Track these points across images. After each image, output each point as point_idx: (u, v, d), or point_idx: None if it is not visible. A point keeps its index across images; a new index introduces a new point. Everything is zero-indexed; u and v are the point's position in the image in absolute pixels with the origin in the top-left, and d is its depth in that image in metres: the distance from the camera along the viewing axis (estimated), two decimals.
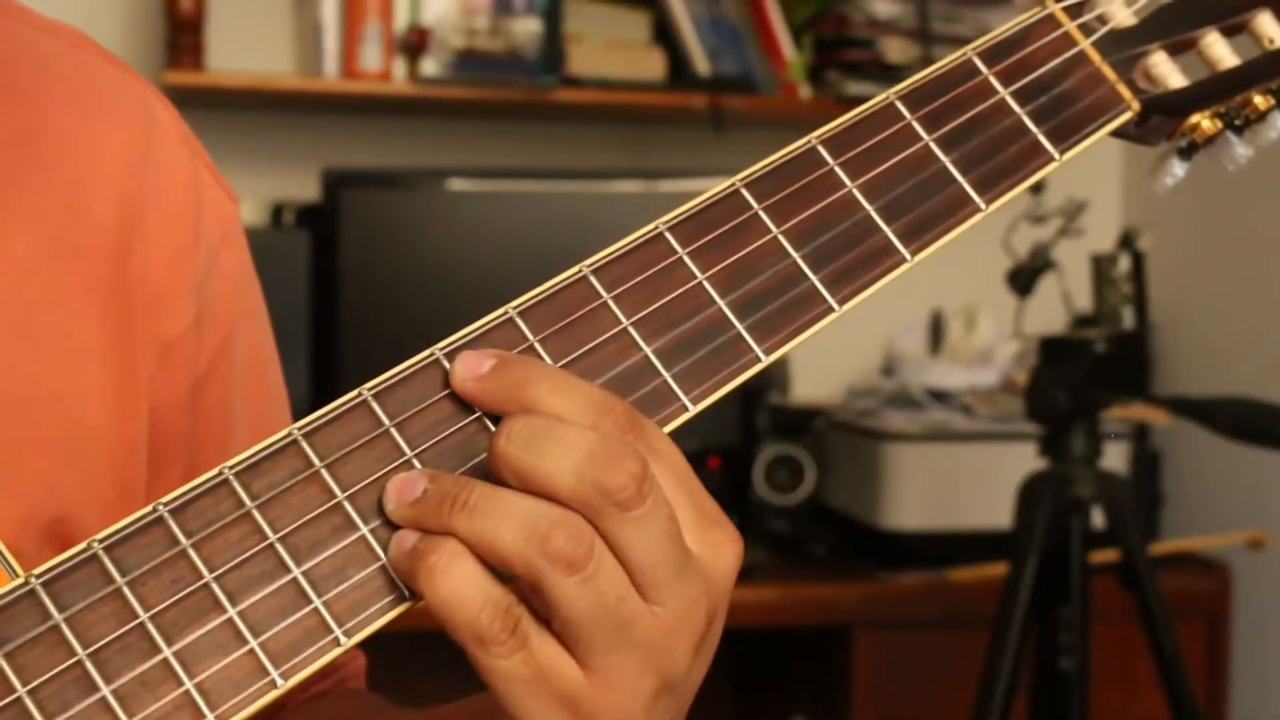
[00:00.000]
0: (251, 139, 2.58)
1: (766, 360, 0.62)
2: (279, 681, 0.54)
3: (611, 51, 2.52)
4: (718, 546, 0.57)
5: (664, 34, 2.57)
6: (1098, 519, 1.90)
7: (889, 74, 2.54)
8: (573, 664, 0.55)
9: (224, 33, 2.47)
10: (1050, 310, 2.37)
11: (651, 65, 2.54)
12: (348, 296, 2.31)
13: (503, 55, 2.40)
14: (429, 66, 2.42)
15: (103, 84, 0.76)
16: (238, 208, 0.81)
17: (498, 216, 2.37)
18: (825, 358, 2.69)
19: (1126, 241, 2.14)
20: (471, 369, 0.57)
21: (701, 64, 2.54)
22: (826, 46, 2.61)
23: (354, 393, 0.58)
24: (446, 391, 0.58)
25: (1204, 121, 0.69)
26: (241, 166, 2.53)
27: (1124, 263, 2.11)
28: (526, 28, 2.40)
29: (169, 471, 0.75)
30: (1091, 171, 2.72)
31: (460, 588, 0.54)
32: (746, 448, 2.41)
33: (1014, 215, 2.14)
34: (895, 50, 2.57)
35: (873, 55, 2.57)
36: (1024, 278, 2.18)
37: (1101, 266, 2.13)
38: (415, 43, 2.41)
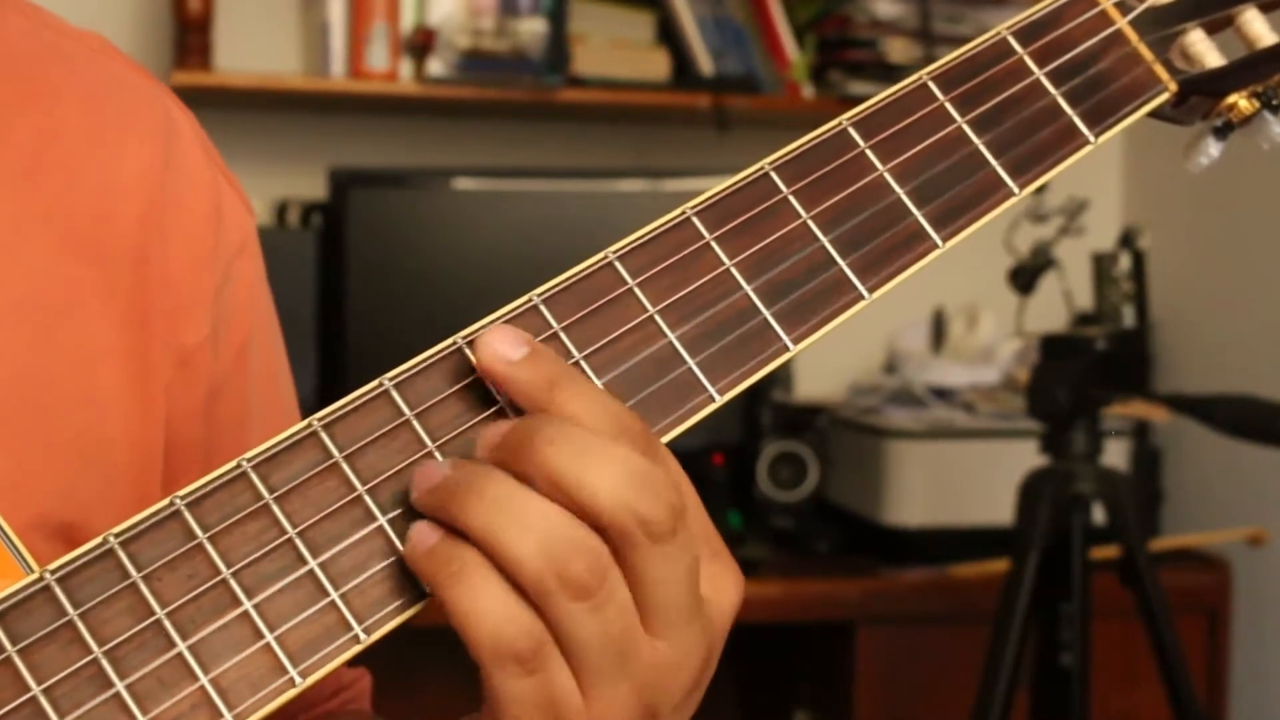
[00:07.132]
0: (259, 138, 2.59)
1: (795, 349, 0.60)
2: (297, 680, 0.52)
3: (616, 52, 2.53)
4: (721, 582, 0.56)
5: (668, 34, 2.58)
6: (1099, 515, 1.90)
7: (891, 74, 2.55)
8: (578, 692, 0.53)
9: (231, 33, 2.47)
10: (1051, 308, 2.37)
11: (656, 65, 2.54)
12: (354, 295, 2.31)
13: (508, 55, 2.41)
14: (435, 66, 2.42)
15: (124, 90, 0.75)
16: (254, 219, 0.79)
17: (503, 215, 2.38)
18: (828, 355, 2.69)
19: (1127, 240, 2.14)
20: (504, 351, 0.54)
21: (705, 64, 2.55)
22: (829, 47, 2.61)
23: (375, 383, 0.56)
24: (469, 380, 0.56)
25: (1241, 101, 0.67)
26: (249, 166, 2.54)
27: (1125, 261, 2.12)
28: (531, 28, 2.41)
29: (184, 479, 0.71)
30: (1092, 170, 2.72)
31: (486, 604, 0.52)
32: (750, 444, 2.41)
33: (1016, 214, 2.14)
34: (897, 50, 2.58)
35: (875, 55, 2.57)
36: (1025, 276, 2.18)
37: (1102, 265, 2.13)
38: (421, 43, 2.42)
